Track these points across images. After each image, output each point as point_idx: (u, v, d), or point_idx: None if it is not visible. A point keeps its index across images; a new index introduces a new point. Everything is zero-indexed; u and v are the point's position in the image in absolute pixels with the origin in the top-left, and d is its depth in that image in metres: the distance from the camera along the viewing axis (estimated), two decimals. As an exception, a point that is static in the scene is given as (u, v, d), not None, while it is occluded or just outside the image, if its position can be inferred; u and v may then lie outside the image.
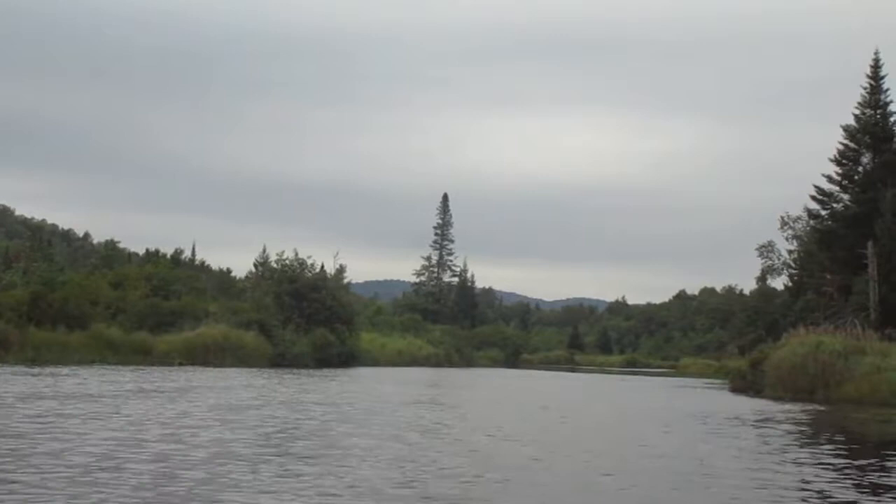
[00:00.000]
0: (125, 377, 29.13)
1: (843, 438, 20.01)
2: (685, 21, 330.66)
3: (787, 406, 30.42)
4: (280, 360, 49.34)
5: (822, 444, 17.89)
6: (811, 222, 54.45)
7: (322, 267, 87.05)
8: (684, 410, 27.09)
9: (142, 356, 41.79)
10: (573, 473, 12.28)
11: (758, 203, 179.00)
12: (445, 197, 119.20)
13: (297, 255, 59.31)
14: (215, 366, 42.61)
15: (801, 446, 17.43)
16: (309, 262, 59.55)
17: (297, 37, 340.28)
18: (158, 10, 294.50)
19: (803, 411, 27.93)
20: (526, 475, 11.67)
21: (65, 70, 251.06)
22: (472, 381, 47.54)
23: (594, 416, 24.76)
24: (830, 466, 13.78)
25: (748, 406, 30.50)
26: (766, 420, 23.62)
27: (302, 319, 56.46)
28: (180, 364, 41.85)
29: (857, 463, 14.56)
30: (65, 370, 30.76)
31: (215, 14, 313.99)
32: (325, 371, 45.99)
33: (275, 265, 59.01)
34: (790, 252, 66.43)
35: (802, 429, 21.54)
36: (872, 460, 15.06)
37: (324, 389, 29.10)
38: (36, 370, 29.84)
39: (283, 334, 52.04)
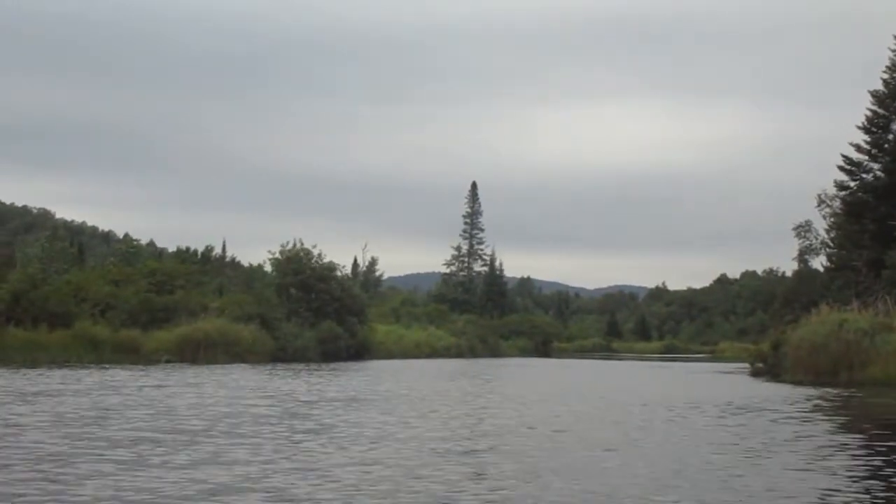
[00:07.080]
0: (44, 379, 25.72)
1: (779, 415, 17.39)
2: (728, 7, 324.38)
3: (799, 391, 27.59)
4: (282, 355, 47.22)
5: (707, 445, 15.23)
6: (840, 194, 51.14)
7: (355, 260, 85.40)
8: (649, 398, 24.23)
9: (128, 355, 39.91)
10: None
11: (801, 186, 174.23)
12: (474, 185, 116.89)
13: (302, 244, 57.36)
14: (206, 363, 40.63)
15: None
16: (315, 252, 57.48)
17: (351, 33, 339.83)
18: (208, 9, 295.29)
19: (805, 396, 25.02)
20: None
21: (106, 71, 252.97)
22: (462, 371, 44.59)
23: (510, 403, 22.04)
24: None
25: (745, 391, 27.66)
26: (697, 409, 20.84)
27: (309, 312, 54.50)
28: (167, 361, 39.89)
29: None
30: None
31: (267, 12, 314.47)
32: (326, 366, 43.83)
33: (279, 256, 57.02)
34: (827, 230, 63.14)
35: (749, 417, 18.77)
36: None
37: (260, 386, 26.36)
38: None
39: (285, 327, 50.01)
